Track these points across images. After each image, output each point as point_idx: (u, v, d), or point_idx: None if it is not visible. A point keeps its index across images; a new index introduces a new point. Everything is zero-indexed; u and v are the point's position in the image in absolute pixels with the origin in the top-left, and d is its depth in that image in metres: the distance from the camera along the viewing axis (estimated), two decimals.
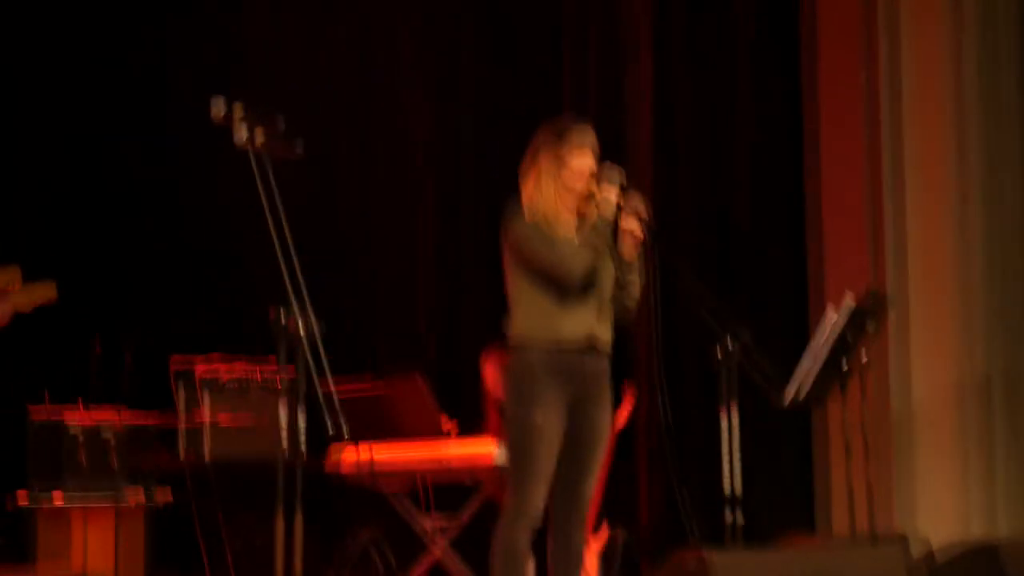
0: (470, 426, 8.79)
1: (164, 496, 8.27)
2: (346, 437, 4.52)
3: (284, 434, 4.52)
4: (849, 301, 5.90)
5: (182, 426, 8.84)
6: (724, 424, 5.21)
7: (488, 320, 8.71)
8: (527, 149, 5.75)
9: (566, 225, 5.69)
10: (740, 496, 5.27)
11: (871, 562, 4.43)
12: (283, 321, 4.52)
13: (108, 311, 10.12)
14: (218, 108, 4.83)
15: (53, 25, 11.00)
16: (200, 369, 8.94)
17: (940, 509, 8.32)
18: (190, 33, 11.37)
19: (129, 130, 11.11)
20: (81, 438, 7.81)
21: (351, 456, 8.76)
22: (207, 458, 8.85)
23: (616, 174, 5.65)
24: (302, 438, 4.71)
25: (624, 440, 8.38)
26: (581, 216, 5.70)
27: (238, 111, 4.79)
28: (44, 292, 6.99)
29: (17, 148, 10.91)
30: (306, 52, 11.45)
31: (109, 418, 8.07)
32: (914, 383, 8.53)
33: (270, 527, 8.81)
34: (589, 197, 5.65)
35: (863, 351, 6.08)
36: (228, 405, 8.94)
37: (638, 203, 5.64)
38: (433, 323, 10.86)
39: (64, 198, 10.94)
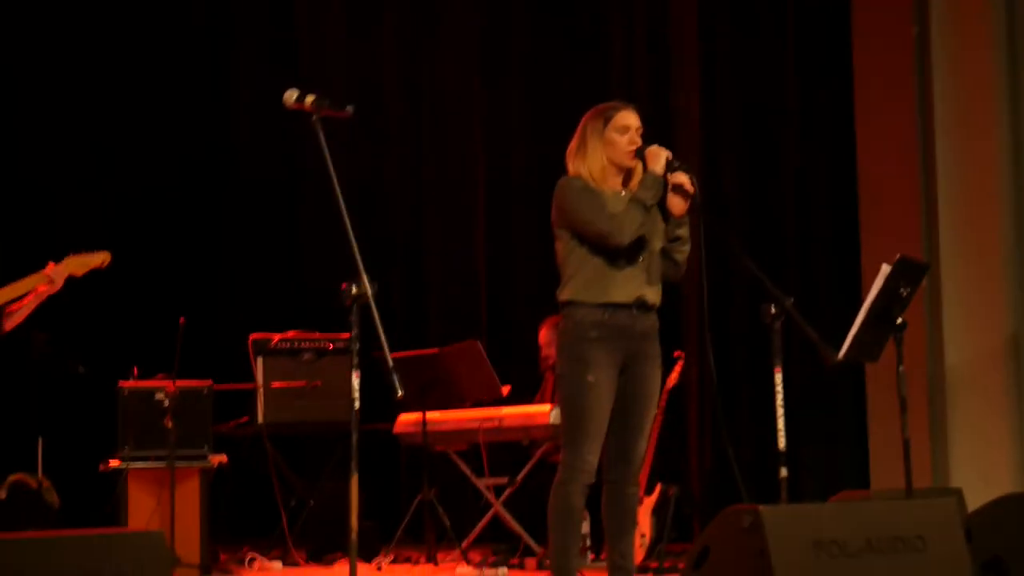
0: (524, 395, 8.88)
1: (228, 459, 8.44)
2: (400, 394, 4.56)
3: (349, 397, 4.57)
4: (901, 256, 5.90)
5: (260, 393, 9.01)
6: (776, 381, 5.21)
7: (541, 293, 8.86)
8: (575, 130, 5.80)
9: (614, 185, 5.74)
10: (792, 453, 5.31)
11: (926, 515, 4.44)
12: (353, 289, 4.57)
13: (191, 293, 10.49)
14: (290, 96, 4.90)
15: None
16: (255, 336, 9.07)
17: (985, 465, 8.34)
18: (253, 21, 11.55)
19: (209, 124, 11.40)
20: (167, 405, 7.99)
21: (409, 418, 8.87)
22: (260, 420, 8.98)
23: (663, 150, 5.69)
24: (357, 404, 4.76)
25: (675, 399, 8.43)
26: (628, 173, 5.74)
27: (308, 98, 4.87)
28: (98, 258, 7.10)
29: (106, 138, 11.10)
30: (359, 36, 11.57)
31: (191, 388, 8.26)
32: (958, 343, 8.54)
33: (321, 488, 9.03)
34: (636, 154, 5.69)
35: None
36: (283, 370, 9.06)
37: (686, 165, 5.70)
38: (487, 297, 10.96)
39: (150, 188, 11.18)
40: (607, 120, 5.69)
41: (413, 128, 11.45)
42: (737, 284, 9.41)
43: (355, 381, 4.63)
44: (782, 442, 5.22)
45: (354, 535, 4.65)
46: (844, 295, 9.03)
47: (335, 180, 4.73)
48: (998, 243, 8.51)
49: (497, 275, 10.98)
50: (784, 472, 5.18)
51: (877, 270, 5.92)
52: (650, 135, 5.79)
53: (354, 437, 4.64)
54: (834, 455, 9.31)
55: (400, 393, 4.54)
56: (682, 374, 8.15)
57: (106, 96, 11.11)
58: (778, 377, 5.24)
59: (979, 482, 7.94)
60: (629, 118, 5.72)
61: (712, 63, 9.95)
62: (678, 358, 8.03)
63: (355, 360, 4.65)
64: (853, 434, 9.17)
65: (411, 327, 10.86)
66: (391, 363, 4.57)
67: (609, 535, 5.79)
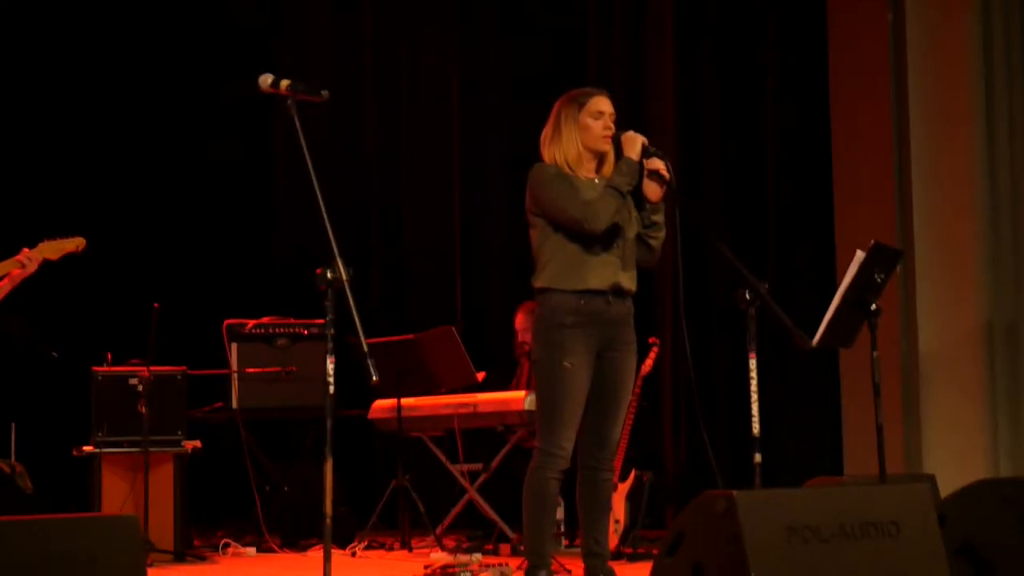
0: (499, 381, 8.89)
1: (203, 444, 8.44)
2: (376, 379, 4.56)
3: (324, 382, 4.57)
4: (875, 242, 5.91)
5: (234, 379, 9.03)
6: (751, 367, 5.22)
7: (516, 280, 8.87)
8: (549, 115, 5.80)
9: (587, 172, 5.74)
10: (767, 439, 5.33)
11: (900, 500, 4.44)
12: (328, 274, 4.56)
13: (166, 279, 10.45)
14: (265, 80, 4.88)
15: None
16: (229, 322, 9.06)
17: (957, 451, 8.38)
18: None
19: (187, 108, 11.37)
20: (141, 390, 7.99)
21: (384, 404, 8.87)
22: (235, 405, 8.98)
23: (639, 136, 5.70)
24: (332, 388, 4.75)
25: (650, 386, 8.44)
26: (601, 159, 5.74)
27: (283, 82, 4.85)
28: (72, 243, 7.08)
29: (82, 127, 11.07)
30: (339, 22, 11.58)
31: (166, 373, 8.25)
32: (931, 329, 8.57)
33: (295, 474, 9.02)
34: (609, 139, 5.69)
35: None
36: (257, 356, 9.05)
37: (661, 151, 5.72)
38: (463, 283, 10.98)
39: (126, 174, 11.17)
40: (581, 105, 5.70)
41: (390, 115, 11.45)
42: (713, 270, 9.42)
43: (330, 366, 4.63)
44: (756, 427, 5.23)
45: (329, 520, 4.64)
46: (819, 281, 9.05)
47: (310, 164, 4.71)
48: (971, 230, 8.54)
49: (472, 262, 10.99)
50: (758, 457, 5.20)
51: (851, 256, 5.94)
52: (625, 122, 5.80)
53: (328, 422, 4.63)
54: (808, 441, 9.33)
55: (375, 378, 4.54)
56: (657, 361, 8.16)
57: (81, 82, 11.07)
58: (752, 363, 5.25)
59: (952, 468, 7.98)
60: (603, 104, 5.72)
61: (688, 50, 9.95)
62: (653, 344, 8.03)
63: (330, 345, 4.64)
64: (827, 420, 9.19)
65: (387, 313, 10.87)
66: (366, 348, 4.56)
67: (583, 521, 5.80)
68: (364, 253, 11.10)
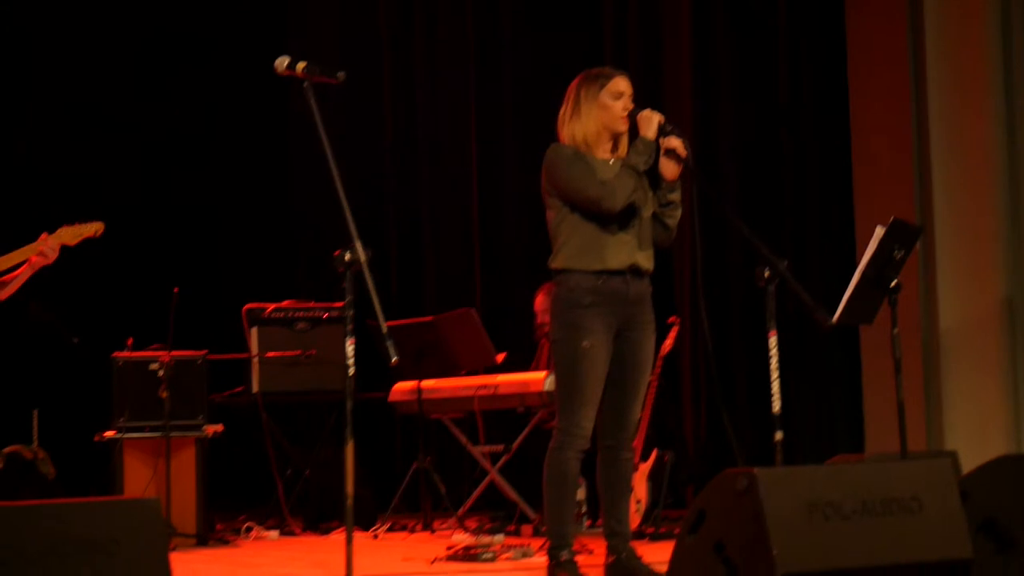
0: (519, 362, 8.89)
1: (224, 428, 8.46)
2: (395, 360, 4.55)
3: (344, 365, 4.58)
4: (895, 219, 5.90)
5: (254, 363, 9.05)
6: (771, 345, 5.22)
7: (535, 261, 8.85)
8: (566, 93, 5.78)
9: (604, 151, 5.73)
10: (786, 417, 5.32)
11: (922, 476, 4.43)
12: (346, 256, 4.56)
13: (185, 264, 10.46)
14: (281, 63, 4.87)
15: None
16: (249, 306, 9.08)
17: (978, 428, 8.36)
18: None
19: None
20: (162, 375, 8.01)
21: (404, 386, 8.88)
22: (255, 389, 8.99)
23: (656, 114, 5.68)
24: (352, 370, 4.76)
25: (670, 365, 8.43)
26: (618, 137, 5.73)
27: (300, 64, 4.85)
28: (91, 228, 7.09)
29: (100, 112, 11.10)
30: (351, 11, 11.59)
31: (186, 358, 8.27)
32: (952, 306, 8.55)
33: (316, 457, 9.05)
34: (627, 119, 5.68)
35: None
36: (278, 340, 9.07)
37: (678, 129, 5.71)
38: (482, 265, 10.98)
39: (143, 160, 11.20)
40: (602, 85, 5.68)
41: (406, 97, 11.44)
42: (730, 248, 9.40)
43: (349, 349, 4.62)
44: (777, 405, 5.22)
45: (350, 502, 4.65)
46: (837, 259, 9.03)
47: (327, 146, 4.71)
48: (991, 206, 8.50)
49: (491, 243, 10.98)
50: (780, 435, 5.19)
51: (870, 233, 5.92)
52: (641, 100, 5.78)
53: (349, 404, 4.63)
54: (828, 419, 9.32)
55: (394, 359, 4.53)
56: (676, 340, 8.15)
57: (99, 65, 11.09)
58: (772, 341, 5.24)
59: (973, 445, 7.96)
60: (623, 84, 5.71)
61: (704, 26, 9.92)
62: (673, 324, 8.02)
63: (349, 327, 4.64)
64: (846, 398, 9.17)
65: (406, 295, 10.89)
66: (385, 329, 4.56)
67: (605, 501, 5.80)
68: (382, 236, 11.09)
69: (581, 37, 10.55)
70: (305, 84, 4.83)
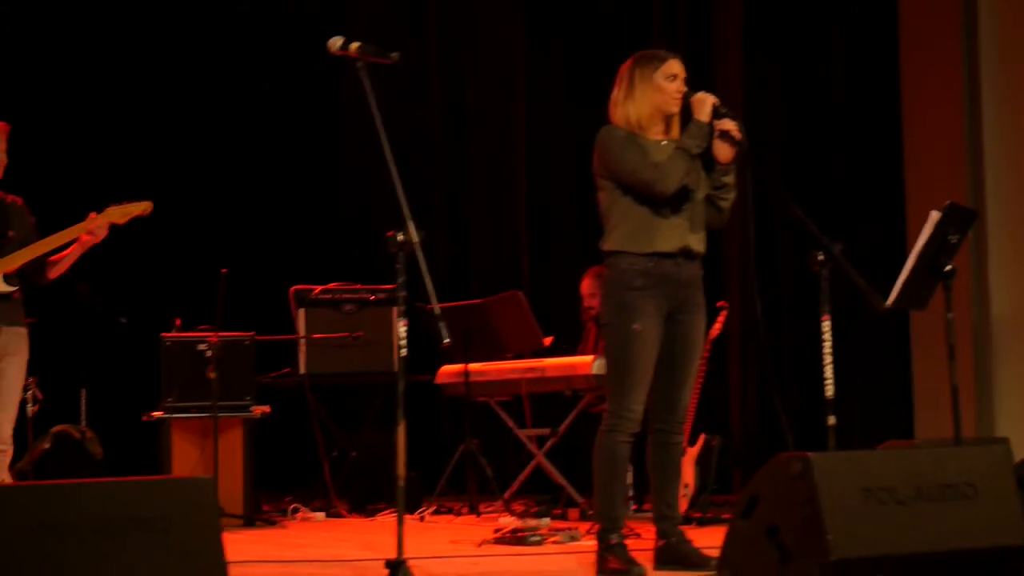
0: (566, 345, 8.87)
1: (271, 410, 8.49)
2: (447, 341, 4.54)
3: (395, 345, 4.58)
4: (950, 203, 5.85)
5: (301, 345, 9.05)
6: (824, 329, 5.19)
7: (582, 244, 8.82)
8: (617, 75, 5.75)
9: (657, 133, 5.69)
10: (836, 402, 5.28)
11: (976, 462, 4.39)
12: (399, 237, 4.55)
13: (233, 245, 10.52)
14: (335, 43, 4.86)
15: None
16: (296, 288, 9.09)
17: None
18: None
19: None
20: (210, 356, 8.04)
21: (451, 368, 8.88)
22: (302, 371, 9.01)
23: (710, 96, 5.65)
24: (404, 351, 4.75)
25: (717, 349, 8.39)
26: (671, 119, 5.70)
27: (353, 45, 4.83)
28: (140, 207, 7.10)
29: (150, 92, 11.16)
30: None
31: (234, 339, 8.30)
32: (1004, 291, 8.49)
33: (363, 439, 9.06)
34: (681, 100, 5.65)
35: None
36: (325, 321, 9.08)
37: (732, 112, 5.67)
38: (529, 248, 10.96)
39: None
40: (656, 67, 5.65)
41: (455, 80, 11.43)
42: (780, 232, 9.34)
43: (402, 330, 4.61)
44: (830, 390, 5.20)
45: (402, 483, 4.64)
46: (887, 244, 8.97)
47: (381, 127, 4.69)
48: None
49: (539, 226, 10.96)
50: (832, 420, 5.17)
51: (921, 218, 5.88)
52: (690, 82, 5.75)
53: (401, 385, 4.63)
54: (877, 404, 9.27)
55: (447, 340, 4.52)
56: (725, 324, 8.11)
57: (150, 45, 11.12)
58: (826, 325, 5.21)
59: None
60: (676, 66, 5.67)
61: (755, 7, 9.86)
62: (721, 308, 7.98)
63: (402, 308, 4.63)
64: (896, 383, 9.12)
65: (453, 278, 10.88)
66: (438, 310, 4.55)
67: (654, 485, 5.78)
68: (429, 218, 11.09)
69: (631, 18, 10.50)
70: (359, 64, 4.81)
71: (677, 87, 5.64)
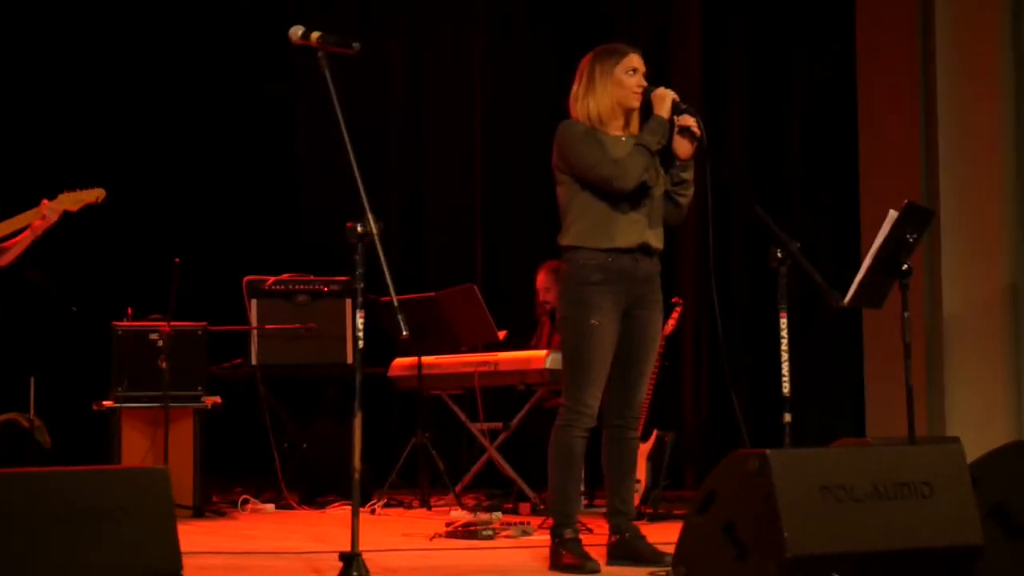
0: (520, 340, 8.87)
1: (222, 400, 8.44)
2: (405, 333, 4.52)
3: (353, 337, 4.56)
4: (908, 202, 5.87)
5: (254, 336, 9.02)
6: (782, 326, 5.19)
7: (537, 238, 8.79)
8: (577, 69, 5.74)
9: (617, 128, 5.69)
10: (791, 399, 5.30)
11: (933, 461, 4.41)
12: (359, 228, 4.53)
13: (186, 234, 10.44)
14: (295, 32, 4.84)
15: None
16: (249, 278, 9.05)
17: (981, 414, 8.34)
18: None
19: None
20: (162, 345, 7.99)
21: (404, 361, 8.85)
22: (254, 362, 8.96)
23: (669, 92, 5.65)
24: (361, 343, 4.73)
25: (671, 346, 8.40)
26: (630, 114, 5.69)
27: (314, 34, 4.81)
28: (92, 194, 7.06)
29: (103, 80, 11.07)
30: None
31: (186, 329, 8.24)
32: (956, 291, 8.52)
33: (314, 430, 9.02)
34: (641, 95, 5.64)
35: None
36: (277, 312, 9.04)
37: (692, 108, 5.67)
38: (484, 241, 10.95)
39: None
40: (616, 61, 5.64)
41: (412, 70, 11.39)
42: (735, 229, 9.36)
43: (360, 321, 4.58)
44: (787, 387, 5.21)
45: (358, 475, 4.62)
46: (841, 242, 9.00)
47: (341, 118, 4.66)
48: (998, 191, 8.48)
49: (493, 219, 10.95)
50: (788, 417, 5.18)
51: (876, 217, 5.89)
52: (649, 75, 5.74)
53: (359, 377, 4.61)
54: (829, 402, 9.29)
55: (405, 332, 4.50)
56: (679, 320, 8.12)
57: (103, 34, 11.05)
58: (783, 322, 5.22)
59: (975, 431, 7.94)
60: (636, 61, 5.67)
61: (713, 10, 9.88)
62: (676, 304, 7.99)
63: (359, 300, 4.60)
64: (848, 382, 9.15)
65: (407, 270, 10.84)
66: (396, 302, 4.52)
67: (609, 480, 5.78)
68: (383, 210, 11.00)
69: (589, 15, 10.49)
70: (320, 54, 4.78)
71: (637, 81, 5.64)
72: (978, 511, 4.41)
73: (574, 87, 5.71)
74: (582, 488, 8.10)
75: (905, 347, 5.78)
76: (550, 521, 5.73)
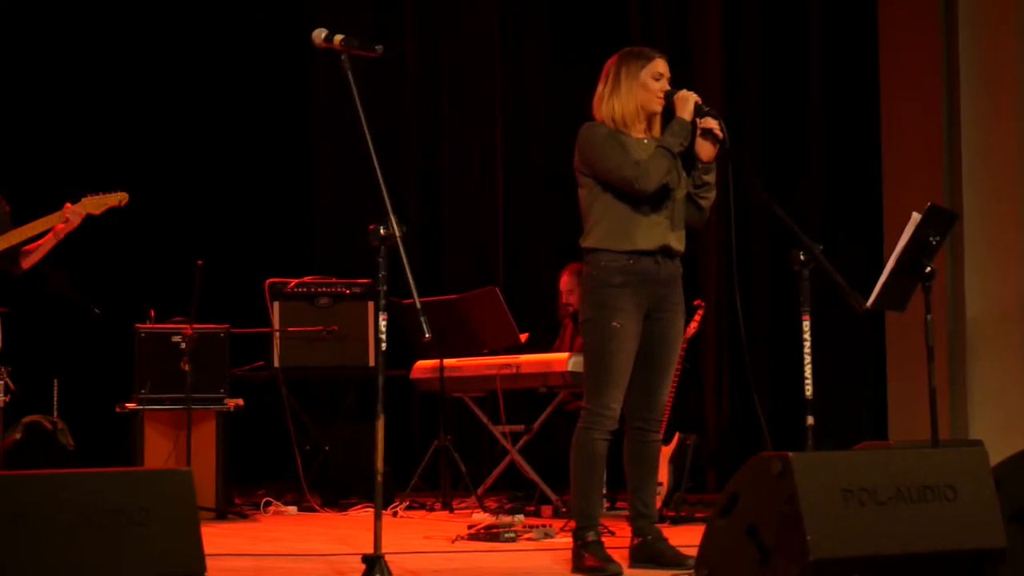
0: (542, 342, 8.86)
1: (244, 403, 8.46)
2: (428, 335, 4.53)
3: (376, 339, 4.55)
4: (931, 204, 5.86)
5: (276, 338, 9.05)
6: (805, 329, 5.18)
7: (559, 240, 8.78)
8: (596, 74, 5.74)
9: (639, 131, 5.69)
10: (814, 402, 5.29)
11: (956, 464, 4.39)
12: (381, 230, 4.53)
13: (209, 237, 10.48)
14: (319, 35, 4.85)
15: None
16: (272, 280, 9.06)
17: (1003, 417, 8.32)
18: None
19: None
20: (184, 348, 8.01)
21: (425, 364, 8.85)
22: (276, 364, 8.98)
23: (692, 95, 5.65)
24: (384, 345, 4.73)
25: (693, 349, 8.39)
26: (652, 118, 5.69)
27: (337, 37, 4.82)
28: (115, 198, 7.08)
29: (126, 84, 11.12)
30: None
31: (208, 331, 8.26)
32: (979, 295, 8.50)
33: (336, 433, 9.03)
34: (663, 99, 5.64)
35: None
36: (299, 315, 9.05)
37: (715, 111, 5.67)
38: (505, 243, 10.94)
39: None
40: (643, 65, 5.64)
41: (431, 73, 11.39)
42: (757, 232, 9.35)
43: (383, 323, 4.58)
44: (809, 390, 5.19)
45: (380, 478, 4.63)
46: (864, 245, 8.98)
47: (364, 121, 4.67)
48: (1020, 194, 8.45)
49: (515, 222, 10.94)
50: (811, 420, 5.17)
51: (899, 221, 5.88)
52: (673, 85, 5.74)
53: (381, 380, 4.61)
54: (852, 405, 9.28)
55: (428, 334, 4.50)
56: (701, 323, 8.10)
57: (125, 39, 11.09)
58: (806, 325, 5.21)
59: (998, 434, 7.91)
60: (663, 66, 5.67)
61: (735, 14, 9.87)
62: (698, 307, 7.98)
63: (382, 303, 4.60)
64: (871, 384, 9.13)
65: (428, 273, 10.86)
66: (419, 305, 4.53)
67: (631, 483, 5.78)
68: (404, 212, 11.04)
69: (608, 16, 10.49)
70: (343, 57, 4.79)
71: (661, 86, 5.64)
72: (1001, 514, 4.39)
73: (599, 87, 5.72)
74: (604, 491, 8.10)
75: (928, 350, 5.76)
76: (572, 524, 5.73)
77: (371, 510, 4.85)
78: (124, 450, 8.39)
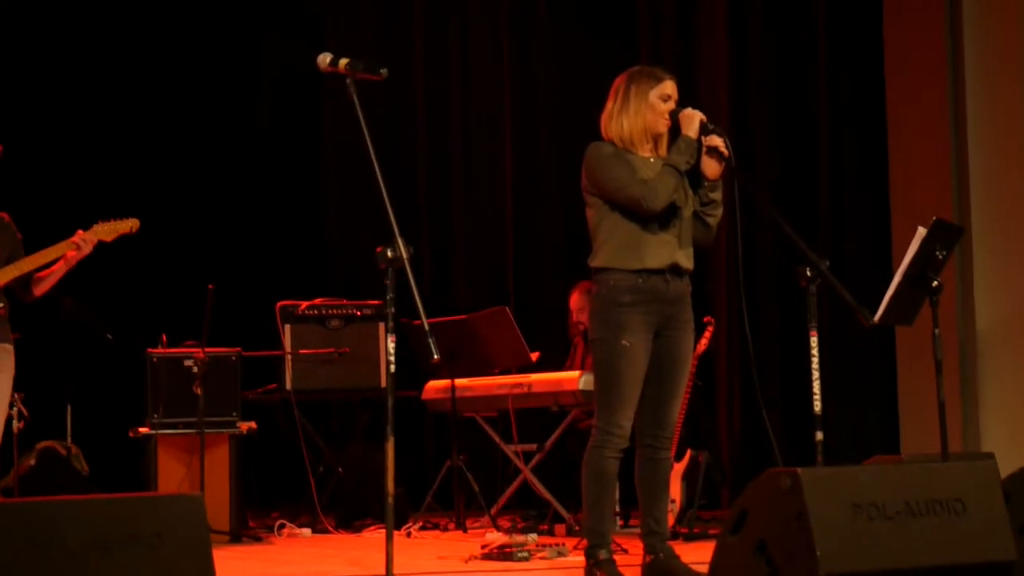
0: (553, 361, 8.87)
1: (257, 426, 8.48)
2: (437, 357, 4.54)
3: (385, 361, 4.56)
4: (937, 219, 5.87)
5: (288, 361, 9.05)
6: (812, 344, 5.20)
7: (569, 259, 8.78)
8: (602, 94, 5.76)
9: (646, 150, 5.71)
10: (823, 417, 5.29)
11: (965, 478, 4.41)
12: (388, 253, 4.55)
13: (220, 261, 10.49)
14: (324, 59, 4.87)
15: None
16: (283, 303, 9.09)
17: (1016, 430, 8.31)
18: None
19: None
20: (196, 372, 8.03)
21: (437, 384, 8.87)
22: (288, 387, 9.00)
23: (697, 113, 5.67)
24: (393, 367, 4.75)
25: (704, 366, 8.39)
26: (658, 137, 5.72)
27: (342, 61, 4.84)
28: (127, 224, 7.09)
29: (136, 110, 11.17)
30: (387, 5, 11.59)
31: (220, 355, 8.29)
32: (989, 307, 8.50)
33: (349, 455, 9.05)
34: (669, 119, 5.67)
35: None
36: (310, 337, 9.08)
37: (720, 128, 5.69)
38: (515, 263, 10.95)
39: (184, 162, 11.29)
40: (652, 85, 5.66)
41: (440, 94, 11.42)
42: (764, 248, 9.36)
43: (391, 345, 4.60)
44: (818, 405, 5.20)
45: (391, 499, 4.63)
46: (872, 259, 8.99)
47: (370, 144, 4.69)
48: None
49: (525, 241, 10.95)
50: (820, 435, 5.17)
51: (907, 234, 5.89)
52: (679, 102, 5.76)
53: (391, 401, 4.62)
54: (862, 419, 9.28)
55: (436, 356, 4.52)
56: (711, 340, 8.11)
57: (136, 65, 11.14)
58: (813, 340, 5.22)
59: (1010, 447, 7.92)
60: (671, 87, 5.70)
61: (740, 29, 9.88)
62: (708, 324, 7.99)
63: (390, 324, 4.62)
64: (881, 399, 9.13)
65: (438, 293, 10.88)
66: (427, 326, 4.55)
67: (643, 501, 5.79)
68: (414, 233, 11.08)
69: (616, 34, 10.51)
70: (348, 80, 4.81)
71: (668, 108, 5.66)
72: (1011, 527, 4.40)
73: (608, 104, 5.74)
74: (616, 509, 8.13)
75: (937, 363, 5.77)
76: (585, 542, 5.74)
77: (384, 531, 4.85)
78: (138, 474, 8.41)
